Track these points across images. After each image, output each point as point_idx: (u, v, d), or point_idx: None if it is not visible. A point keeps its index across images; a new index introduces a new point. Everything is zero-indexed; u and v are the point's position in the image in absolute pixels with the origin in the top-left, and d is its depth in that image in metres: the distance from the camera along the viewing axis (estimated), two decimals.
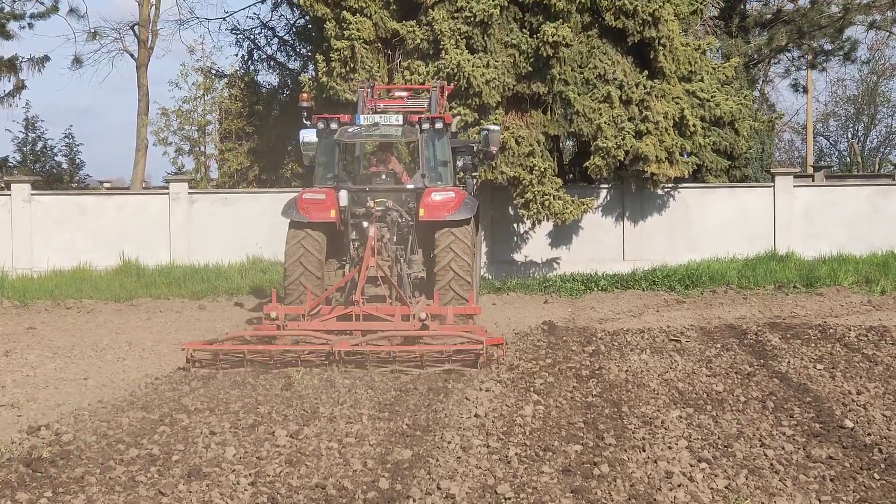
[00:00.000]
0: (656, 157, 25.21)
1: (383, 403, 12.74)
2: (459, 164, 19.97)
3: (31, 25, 41.88)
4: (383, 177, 18.66)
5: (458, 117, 20.38)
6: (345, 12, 24.47)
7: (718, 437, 10.84)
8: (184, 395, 13.15)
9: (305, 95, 19.99)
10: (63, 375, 14.97)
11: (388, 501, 8.73)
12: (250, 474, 9.48)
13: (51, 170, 47.05)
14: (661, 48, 25.45)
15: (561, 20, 24.38)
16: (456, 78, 23.75)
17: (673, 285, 25.42)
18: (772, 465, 9.81)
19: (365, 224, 17.67)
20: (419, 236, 18.14)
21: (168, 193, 26.73)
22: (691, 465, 9.76)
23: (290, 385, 13.80)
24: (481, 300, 22.62)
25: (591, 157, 25.40)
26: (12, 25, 41.61)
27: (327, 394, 13.31)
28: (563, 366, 15.46)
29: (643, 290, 25.45)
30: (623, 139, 25.02)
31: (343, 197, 17.83)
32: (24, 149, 47.66)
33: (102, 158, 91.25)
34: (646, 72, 25.60)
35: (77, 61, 38.39)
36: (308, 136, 19.06)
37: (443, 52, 24.16)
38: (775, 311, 21.85)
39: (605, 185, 27.32)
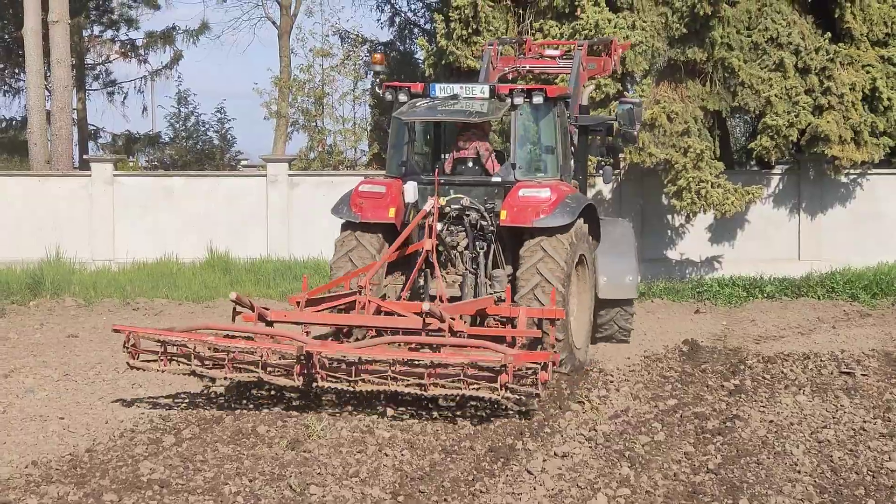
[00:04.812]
0: (840, 136, 21.46)
1: (412, 476, 9.33)
2: (600, 146, 16.50)
3: None
4: (470, 164, 14.63)
5: (591, 87, 16.63)
6: None
7: None
8: (155, 454, 9.96)
9: (378, 56, 16.27)
10: (42, 412, 11.91)
11: None
12: None
13: (203, 147, 45.23)
14: (848, 5, 21.65)
15: None
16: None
17: (856, 293, 21.41)
18: None
19: (439, 226, 13.81)
20: (505, 247, 14.30)
21: (266, 175, 23.73)
22: None
23: (299, 442, 10.40)
24: None
25: (758, 136, 21.78)
26: None
27: (344, 457, 9.93)
28: (688, 411, 11.80)
29: (819, 298, 21.50)
30: (797, 115, 21.36)
31: (410, 191, 14.01)
32: (177, 125, 45.93)
33: (253, 135, 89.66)
34: (829, 34, 21.85)
35: (205, 27, 36.00)
36: None
37: (579, 9, 20.69)
38: None
39: (777, 172, 23.63)
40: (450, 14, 21.40)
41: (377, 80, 15.64)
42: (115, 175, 23.83)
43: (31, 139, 26.85)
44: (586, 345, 14.66)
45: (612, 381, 13.46)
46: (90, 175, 23.94)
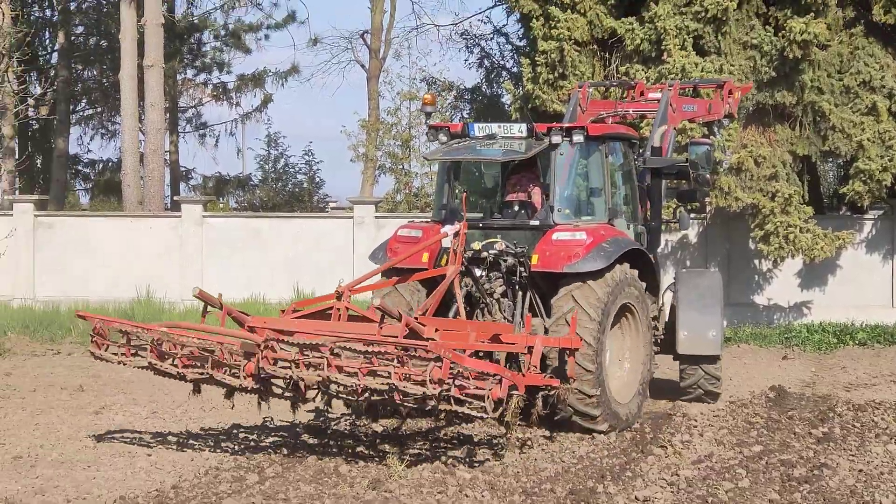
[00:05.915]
0: None
1: None
2: (687, 189, 15.59)
3: (267, 37, 40.68)
4: (516, 208, 13.85)
5: (663, 127, 16.13)
6: (553, 8, 21.31)
7: None
8: (238, 492, 10.03)
9: (429, 97, 15.38)
10: (130, 448, 12.11)
11: None
12: None
13: (292, 189, 45.66)
14: None
15: (814, 14, 20.55)
16: None
17: None
18: None
19: (478, 272, 13.20)
20: (543, 295, 13.36)
21: (352, 217, 23.92)
22: None
23: (381, 482, 10.40)
24: None
25: (850, 181, 21.44)
26: (249, 38, 40.50)
27: (424, 497, 9.97)
28: (774, 458, 11.52)
29: None
30: (892, 160, 21.09)
31: (449, 234, 13.15)
32: (266, 167, 46.42)
33: (340, 177, 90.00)
34: None
35: (294, 70, 36.59)
36: None
37: (665, 53, 20.57)
38: None
39: (870, 217, 23.23)
40: (536, 58, 21.50)
41: (428, 121, 15.18)
42: (204, 216, 24.20)
43: (125, 180, 27.42)
44: (636, 401, 13.73)
45: (695, 426, 13.20)
46: (181, 216, 24.33)
